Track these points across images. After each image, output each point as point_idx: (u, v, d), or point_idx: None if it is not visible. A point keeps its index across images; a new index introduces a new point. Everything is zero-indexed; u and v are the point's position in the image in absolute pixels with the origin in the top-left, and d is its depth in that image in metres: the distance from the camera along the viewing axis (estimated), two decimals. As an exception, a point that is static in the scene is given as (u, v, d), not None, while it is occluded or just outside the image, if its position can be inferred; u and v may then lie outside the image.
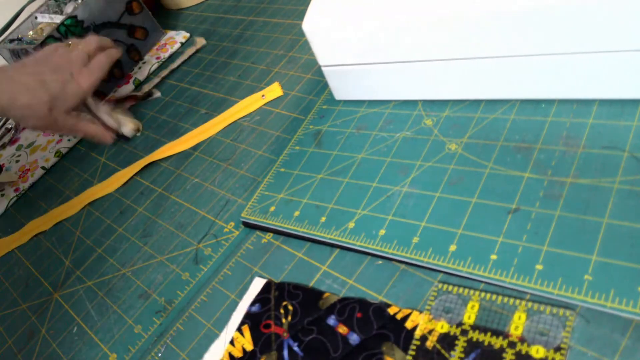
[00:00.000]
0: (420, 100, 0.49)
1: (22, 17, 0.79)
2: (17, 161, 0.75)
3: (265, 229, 0.47)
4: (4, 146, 0.79)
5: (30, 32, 0.75)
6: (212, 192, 0.54)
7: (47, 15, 0.76)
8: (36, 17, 0.76)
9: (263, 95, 0.61)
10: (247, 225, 0.48)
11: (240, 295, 0.43)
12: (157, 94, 0.73)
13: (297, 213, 0.46)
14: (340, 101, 0.54)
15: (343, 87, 0.52)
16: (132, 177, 0.62)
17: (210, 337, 0.42)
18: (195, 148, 0.61)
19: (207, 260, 0.48)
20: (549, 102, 0.43)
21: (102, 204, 0.61)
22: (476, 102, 0.46)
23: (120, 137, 0.67)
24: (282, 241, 0.45)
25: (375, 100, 0.52)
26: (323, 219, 0.44)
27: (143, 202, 0.58)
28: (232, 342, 0.40)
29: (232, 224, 0.50)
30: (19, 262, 0.60)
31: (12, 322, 0.53)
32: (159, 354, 0.43)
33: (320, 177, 0.48)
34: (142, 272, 0.50)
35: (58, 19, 0.74)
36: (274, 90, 0.61)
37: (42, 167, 0.71)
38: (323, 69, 0.51)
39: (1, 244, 0.63)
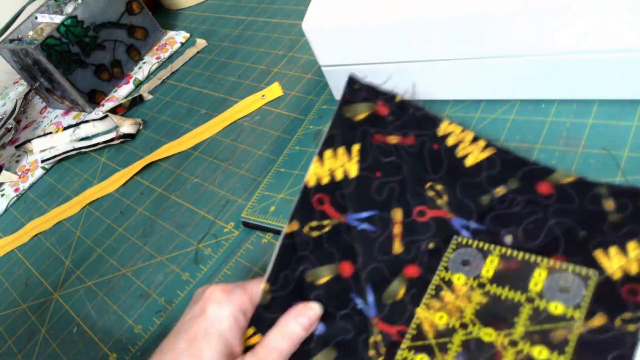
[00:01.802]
0: (420, 101, 0.49)
1: (22, 17, 0.79)
2: (17, 161, 0.75)
3: (265, 229, 0.47)
4: (4, 146, 0.79)
5: (30, 32, 0.75)
6: (212, 192, 0.54)
7: (47, 15, 0.76)
8: (36, 17, 0.76)
9: (263, 95, 0.61)
10: (247, 225, 0.48)
11: (240, 295, 0.43)
12: (149, 97, 0.73)
13: (297, 213, 0.46)
14: (340, 101, 0.54)
15: (343, 88, 0.52)
16: (132, 177, 0.62)
17: (210, 337, 0.42)
18: (195, 148, 0.61)
19: (207, 260, 0.48)
20: (549, 102, 0.43)
21: (102, 204, 0.61)
22: (476, 102, 0.46)
23: (124, 137, 0.67)
24: (282, 241, 0.45)
25: (375, 100, 0.52)
26: (323, 219, 0.44)
27: (143, 202, 0.58)
28: (320, 155, 0.36)
29: (232, 224, 0.50)
30: (19, 262, 0.60)
31: (12, 322, 0.53)
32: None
33: (320, 177, 0.48)
34: (142, 272, 0.50)
35: (58, 19, 0.74)
36: (274, 90, 0.61)
37: (42, 167, 0.71)
38: (323, 69, 0.51)
39: (1, 244, 0.63)
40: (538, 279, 0.32)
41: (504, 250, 0.33)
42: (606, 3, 0.35)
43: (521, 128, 0.42)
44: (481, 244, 0.34)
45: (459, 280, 0.33)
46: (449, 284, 0.34)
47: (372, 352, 0.33)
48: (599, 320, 0.29)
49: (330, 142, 0.37)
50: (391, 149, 0.37)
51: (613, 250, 0.31)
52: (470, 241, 0.35)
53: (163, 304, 0.46)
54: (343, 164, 0.37)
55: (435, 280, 0.34)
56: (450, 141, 0.37)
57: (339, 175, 0.37)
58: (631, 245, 0.30)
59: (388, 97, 0.39)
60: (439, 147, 0.37)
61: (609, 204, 0.32)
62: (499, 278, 0.33)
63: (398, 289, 0.35)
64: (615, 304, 0.29)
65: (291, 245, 0.36)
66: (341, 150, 0.37)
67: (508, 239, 0.34)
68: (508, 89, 0.44)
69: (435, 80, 0.46)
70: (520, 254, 0.33)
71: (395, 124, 0.38)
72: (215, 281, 0.46)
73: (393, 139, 0.37)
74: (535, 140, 0.41)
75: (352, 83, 0.39)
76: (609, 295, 0.30)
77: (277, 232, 0.46)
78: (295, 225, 0.36)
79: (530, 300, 0.31)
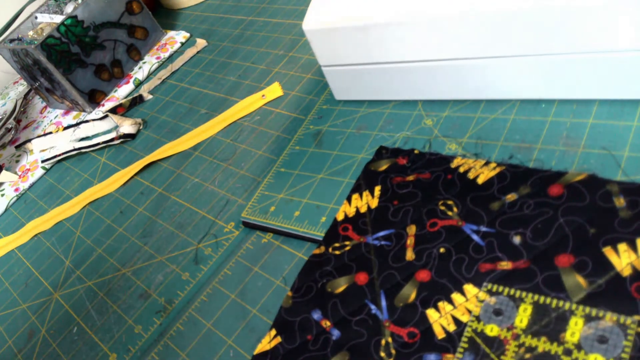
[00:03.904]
0: (420, 100, 0.49)
1: (22, 17, 0.79)
2: (17, 161, 0.75)
3: (265, 229, 0.47)
4: (4, 146, 0.79)
5: (30, 32, 0.75)
6: (212, 192, 0.54)
7: (47, 15, 0.76)
8: (36, 17, 0.76)
9: (263, 95, 0.61)
10: (247, 225, 0.48)
11: (241, 295, 0.43)
12: (149, 97, 0.73)
13: (297, 213, 0.46)
14: (340, 101, 0.54)
15: (343, 87, 0.52)
16: (132, 177, 0.62)
17: (211, 337, 0.42)
18: (195, 148, 0.61)
19: (207, 260, 0.48)
20: (549, 102, 0.43)
21: (102, 204, 0.61)
22: (476, 102, 0.46)
23: (124, 137, 0.67)
24: (282, 241, 0.45)
25: (375, 100, 0.52)
26: (323, 219, 0.44)
27: (143, 202, 0.58)
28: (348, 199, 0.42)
29: (232, 224, 0.50)
30: (19, 262, 0.60)
31: (12, 322, 0.53)
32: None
33: (320, 177, 0.48)
34: (142, 272, 0.50)
35: (58, 19, 0.74)
36: (274, 90, 0.61)
37: (42, 167, 0.71)
38: (323, 69, 0.51)
39: (1, 244, 0.63)
40: (575, 329, 0.30)
41: (536, 297, 0.32)
42: (606, 3, 0.35)
43: (521, 128, 0.42)
44: (512, 291, 0.33)
45: (492, 331, 0.32)
46: (482, 336, 0.32)
47: (383, 354, 0.33)
48: None
49: (357, 188, 0.44)
50: (408, 184, 0.41)
51: (622, 247, 0.31)
52: (500, 288, 0.33)
53: (163, 304, 0.46)
54: (367, 201, 0.42)
55: (468, 332, 0.32)
56: (462, 169, 0.40)
57: (362, 209, 0.42)
58: None
59: (407, 152, 0.44)
60: (452, 176, 0.40)
61: (620, 201, 0.32)
62: (533, 328, 0.31)
63: (409, 293, 0.35)
64: (624, 302, 0.29)
65: (316, 262, 0.40)
66: (365, 193, 0.43)
67: (517, 239, 0.34)
68: (508, 89, 0.44)
69: (435, 81, 0.46)
70: (554, 302, 0.31)
71: (412, 167, 0.42)
72: (215, 281, 0.46)
73: (410, 177, 0.42)
74: (535, 140, 0.41)
75: (381, 149, 0.45)
76: (619, 293, 0.29)
77: (277, 232, 0.46)
78: (322, 249, 0.41)
79: (567, 352, 0.29)
